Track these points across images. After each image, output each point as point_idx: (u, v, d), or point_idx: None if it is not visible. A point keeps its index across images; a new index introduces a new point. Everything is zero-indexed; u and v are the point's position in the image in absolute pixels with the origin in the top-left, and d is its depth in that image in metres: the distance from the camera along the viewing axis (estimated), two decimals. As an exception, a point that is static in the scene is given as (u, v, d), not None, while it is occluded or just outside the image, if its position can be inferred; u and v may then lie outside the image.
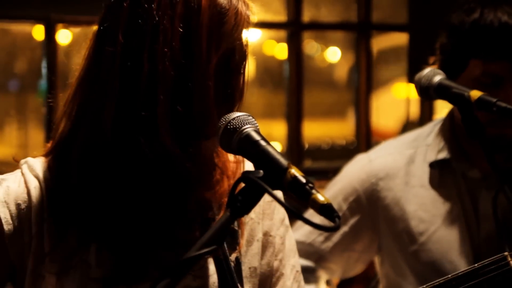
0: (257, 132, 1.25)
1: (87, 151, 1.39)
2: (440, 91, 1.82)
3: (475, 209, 2.05)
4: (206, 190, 1.42)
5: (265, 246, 1.51)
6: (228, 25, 1.40)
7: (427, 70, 1.86)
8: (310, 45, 7.28)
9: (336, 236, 2.18)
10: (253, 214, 1.51)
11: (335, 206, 2.17)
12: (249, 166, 1.49)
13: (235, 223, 1.45)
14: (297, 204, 1.20)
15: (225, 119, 1.27)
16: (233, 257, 1.45)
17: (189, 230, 1.40)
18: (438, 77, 1.83)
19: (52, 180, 1.43)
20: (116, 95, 1.36)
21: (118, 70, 1.36)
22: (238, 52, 1.42)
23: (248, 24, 1.44)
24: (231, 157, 1.50)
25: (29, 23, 5.40)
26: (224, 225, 1.15)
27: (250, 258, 1.49)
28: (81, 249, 1.39)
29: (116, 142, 1.36)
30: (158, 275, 1.11)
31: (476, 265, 1.73)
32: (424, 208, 2.09)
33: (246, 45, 1.44)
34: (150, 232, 1.38)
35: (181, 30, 1.35)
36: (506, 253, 1.72)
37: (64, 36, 5.07)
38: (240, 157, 1.50)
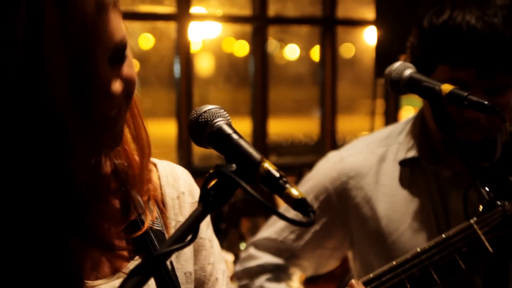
0: (229, 125, 1.21)
1: None
2: (411, 85, 1.80)
3: (445, 208, 2.02)
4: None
5: (197, 250, 1.44)
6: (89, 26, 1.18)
7: (397, 64, 1.84)
8: (270, 42, 7.23)
9: (308, 235, 2.15)
10: (181, 217, 1.42)
11: (306, 205, 2.16)
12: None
13: (161, 225, 1.37)
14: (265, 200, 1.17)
15: (196, 112, 1.23)
16: (168, 261, 1.36)
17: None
18: (409, 71, 1.81)
19: None
20: None
21: None
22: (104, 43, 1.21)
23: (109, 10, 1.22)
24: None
25: None
26: (196, 220, 1.11)
27: (183, 263, 1.41)
28: None
29: None
30: (128, 273, 1.08)
31: (443, 235, 1.69)
32: (394, 208, 2.06)
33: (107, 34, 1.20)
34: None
35: (24, 38, 1.17)
36: (471, 221, 1.68)
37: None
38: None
